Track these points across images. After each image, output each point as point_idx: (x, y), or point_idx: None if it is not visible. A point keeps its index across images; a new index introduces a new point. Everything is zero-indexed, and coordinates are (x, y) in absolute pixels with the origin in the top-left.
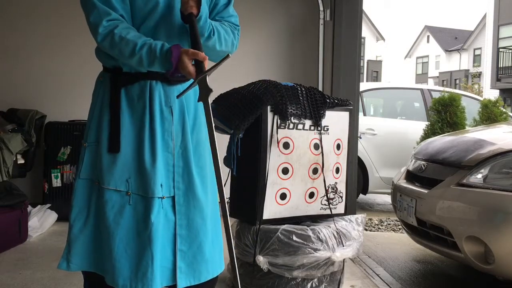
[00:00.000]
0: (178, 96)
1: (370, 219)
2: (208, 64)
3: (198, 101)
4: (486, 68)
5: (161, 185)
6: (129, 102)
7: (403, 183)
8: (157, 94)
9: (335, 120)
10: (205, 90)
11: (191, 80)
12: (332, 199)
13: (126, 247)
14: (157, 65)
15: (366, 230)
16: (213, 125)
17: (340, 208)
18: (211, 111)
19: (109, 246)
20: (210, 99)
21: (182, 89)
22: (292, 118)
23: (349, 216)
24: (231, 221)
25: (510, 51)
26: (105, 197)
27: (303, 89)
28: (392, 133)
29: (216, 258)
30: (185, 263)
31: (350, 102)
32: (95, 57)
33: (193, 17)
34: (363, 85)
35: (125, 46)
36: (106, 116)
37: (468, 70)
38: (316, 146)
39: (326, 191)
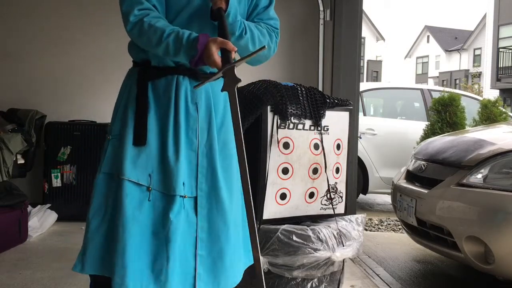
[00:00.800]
0: (196, 87)
1: (370, 219)
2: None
3: (222, 90)
4: (486, 68)
5: (183, 183)
6: (155, 96)
7: (403, 183)
8: (183, 89)
9: (335, 120)
10: (232, 81)
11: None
12: (332, 199)
13: (141, 244)
14: (183, 54)
15: (366, 230)
16: (239, 116)
17: (340, 208)
18: (237, 101)
19: (123, 241)
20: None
21: (210, 87)
22: (292, 118)
23: (349, 216)
24: None
25: (510, 51)
26: (125, 190)
27: (303, 89)
28: (392, 133)
29: (236, 266)
30: (204, 269)
31: (350, 102)
32: (96, 57)
33: (222, 12)
34: (363, 85)
35: (153, 34)
36: (131, 108)
37: (468, 70)
38: (316, 146)
39: (329, 190)
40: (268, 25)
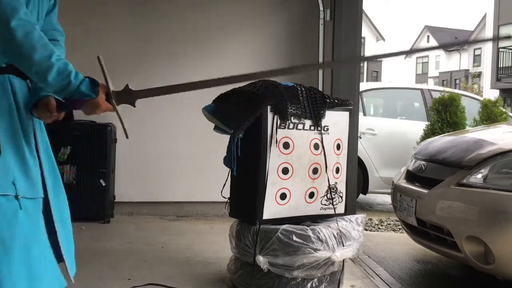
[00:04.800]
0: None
1: (370, 219)
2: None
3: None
4: (486, 68)
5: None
6: None
7: (403, 183)
8: (19, 90)
9: (335, 120)
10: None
11: None
12: (332, 199)
13: (26, 261)
14: (58, 88)
15: (366, 230)
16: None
17: (340, 208)
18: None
19: (7, 264)
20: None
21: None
22: (292, 118)
23: (349, 216)
24: (231, 221)
25: (510, 51)
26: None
27: (303, 89)
28: (392, 133)
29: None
30: (69, 258)
31: (350, 102)
32: (95, 58)
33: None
34: (363, 85)
35: (42, 48)
36: None
37: (468, 70)
38: (316, 146)
39: (330, 190)
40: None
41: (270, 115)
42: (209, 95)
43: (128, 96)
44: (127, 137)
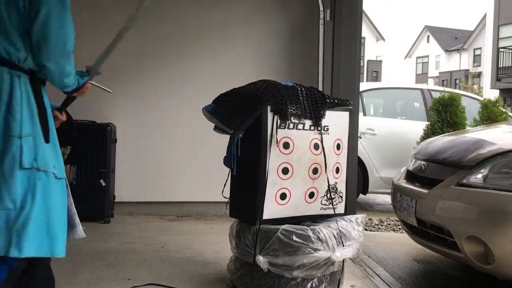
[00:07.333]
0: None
1: (370, 219)
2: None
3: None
4: (486, 68)
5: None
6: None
7: (403, 183)
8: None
9: (335, 120)
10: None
11: None
12: (332, 199)
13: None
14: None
15: (366, 230)
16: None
17: (340, 208)
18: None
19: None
20: None
21: None
22: (292, 118)
23: (349, 216)
24: (231, 221)
25: (510, 51)
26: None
27: (303, 89)
28: (392, 133)
29: None
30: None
31: (350, 102)
32: (95, 58)
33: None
34: (363, 85)
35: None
36: (35, 109)
37: (468, 70)
38: (316, 146)
39: (330, 190)
40: None
41: (270, 115)
42: (209, 95)
43: (91, 69)
44: (110, 91)
